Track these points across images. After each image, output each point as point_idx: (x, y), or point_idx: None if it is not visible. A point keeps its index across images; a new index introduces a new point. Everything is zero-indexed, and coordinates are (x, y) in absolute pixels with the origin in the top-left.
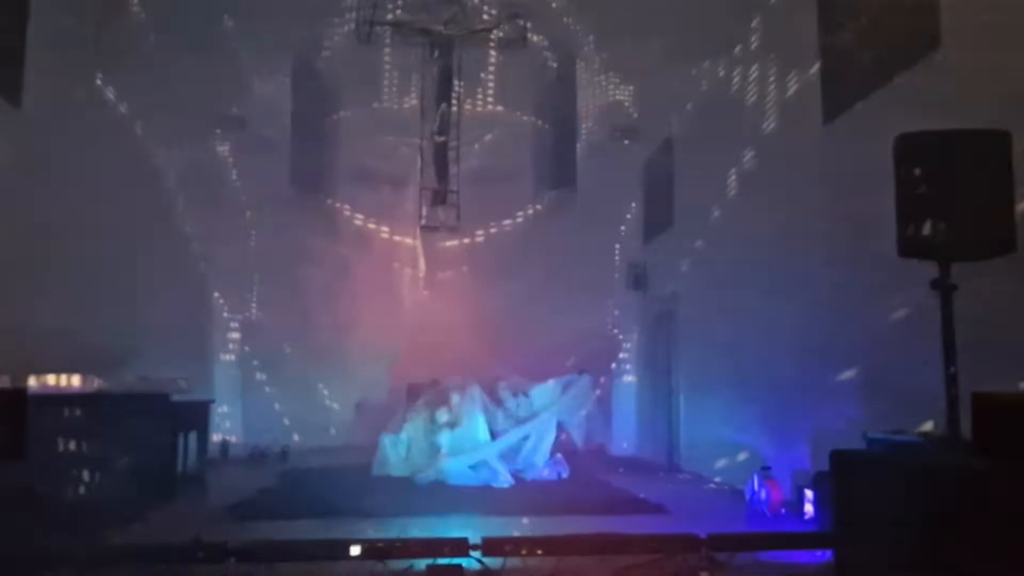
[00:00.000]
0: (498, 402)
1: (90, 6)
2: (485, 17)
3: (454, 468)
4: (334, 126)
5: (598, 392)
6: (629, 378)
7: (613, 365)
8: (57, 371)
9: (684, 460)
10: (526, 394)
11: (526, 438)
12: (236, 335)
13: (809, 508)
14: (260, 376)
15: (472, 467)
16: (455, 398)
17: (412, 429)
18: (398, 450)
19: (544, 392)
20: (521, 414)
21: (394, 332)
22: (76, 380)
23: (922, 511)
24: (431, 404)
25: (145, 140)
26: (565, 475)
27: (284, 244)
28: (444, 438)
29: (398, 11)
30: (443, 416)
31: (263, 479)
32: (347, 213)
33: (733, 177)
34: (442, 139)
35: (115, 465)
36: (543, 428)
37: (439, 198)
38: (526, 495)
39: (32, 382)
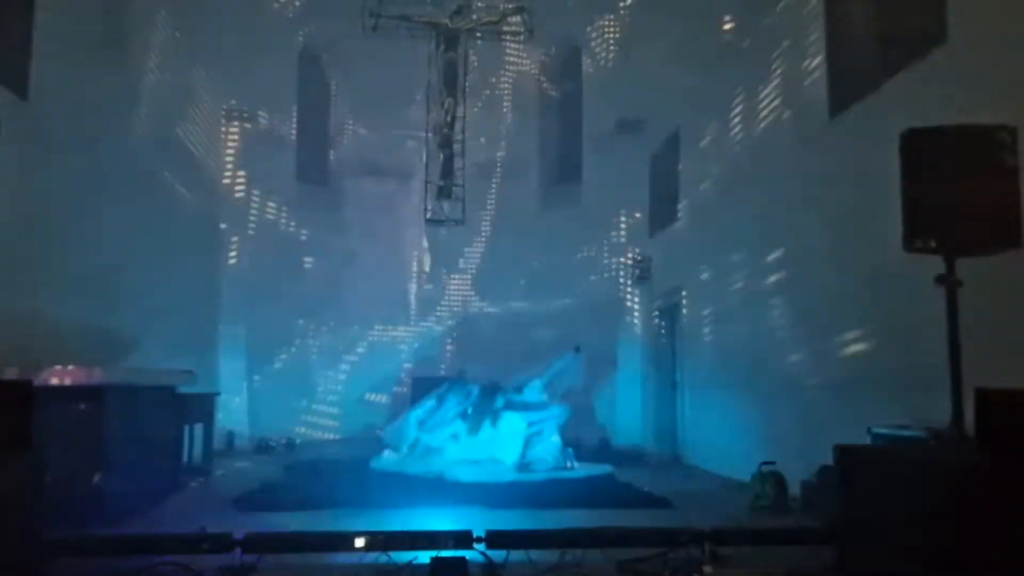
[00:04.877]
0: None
1: None
2: (491, 10)
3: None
4: (340, 119)
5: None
6: (633, 371)
7: (617, 358)
8: (64, 363)
9: (688, 453)
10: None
11: (535, 431)
12: (242, 327)
13: (812, 503)
14: (266, 368)
15: (475, 461)
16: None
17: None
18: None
19: (534, 390)
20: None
21: (399, 325)
22: (82, 372)
23: (925, 506)
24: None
25: (151, 133)
26: (574, 466)
27: (290, 237)
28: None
29: (405, 4)
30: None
31: (268, 471)
32: (353, 206)
33: (739, 171)
34: (447, 133)
35: (121, 456)
36: (549, 421)
37: (444, 192)
38: (530, 488)
39: (39, 374)
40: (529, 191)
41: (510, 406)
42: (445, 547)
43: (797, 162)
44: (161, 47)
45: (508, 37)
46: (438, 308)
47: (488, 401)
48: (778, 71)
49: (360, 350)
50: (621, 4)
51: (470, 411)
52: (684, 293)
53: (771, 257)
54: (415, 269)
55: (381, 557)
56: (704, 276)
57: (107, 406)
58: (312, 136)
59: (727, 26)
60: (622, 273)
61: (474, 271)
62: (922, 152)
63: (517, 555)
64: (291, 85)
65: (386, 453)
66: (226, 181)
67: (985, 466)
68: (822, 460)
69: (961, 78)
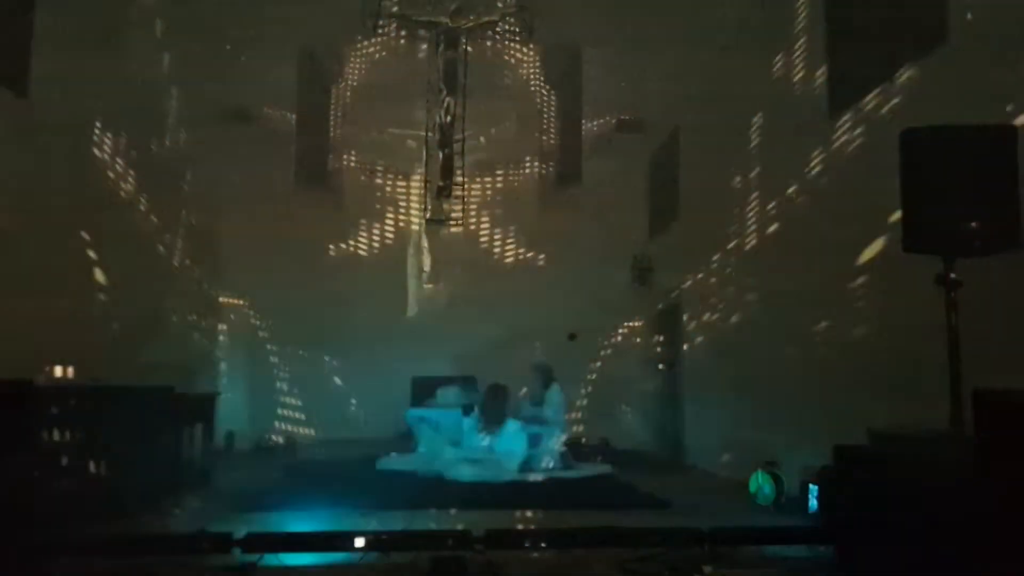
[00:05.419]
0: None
1: None
2: (491, 9)
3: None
4: (339, 119)
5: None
6: (634, 372)
7: (617, 358)
8: (63, 363)
9: (688, 454)
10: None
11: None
12: (242, 327)
13: (812, 503)
14: (266, 369)
15: (473, 461)
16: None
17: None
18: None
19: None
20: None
21: (399, 324)
22: (82, 372)
23: (924, 506)
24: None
25: (151, 133)
26: (573, 466)
27: (289, 237)
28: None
29: (404, 3)
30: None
31: (268, 471)
32: (353, 206)
33: (738, 171)
34: (447, 132)
35: (120, 457)
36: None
37: (444, 191)
38: (530, 488)
39: (38, 374)
40: (529, 191)
41: (515, 415)
42: (445, 547)
43: (797, 162)
44: (160, 47)
45: (508, 36)
46: (438, 308)
47: (497, 402)
48: (778, 71)
49: (360, 350)
50: (622, 4)
51: (476, 410)
52: (684, 293)
53: (770, 257)
54: (415, 269)
55: (381, 556)
56: (704, 276)
57: (106, 406)
58: (312, 136)
59: (727, 25)
60: (622, 273)
61: (474, 271)
62: (922, 152)
63: (518, 555)
64: (291, 85)
65: (393, 454)
66: (225, 181)
67: (984, 466)
68: (822, 460)
69: (961, 78)
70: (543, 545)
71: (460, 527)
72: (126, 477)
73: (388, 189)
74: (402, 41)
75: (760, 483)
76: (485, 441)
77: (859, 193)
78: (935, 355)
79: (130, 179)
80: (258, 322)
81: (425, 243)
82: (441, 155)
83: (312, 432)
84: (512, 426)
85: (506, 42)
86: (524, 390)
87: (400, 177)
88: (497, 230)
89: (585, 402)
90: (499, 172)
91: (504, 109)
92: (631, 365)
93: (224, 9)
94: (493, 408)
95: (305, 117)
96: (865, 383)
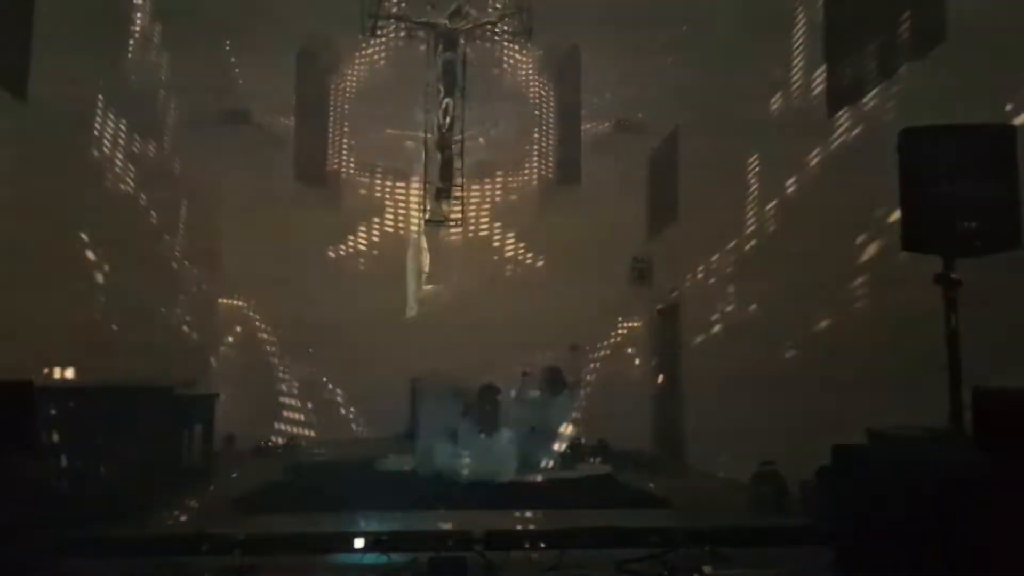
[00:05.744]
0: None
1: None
2: (490, 10)
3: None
4: (338, 120)
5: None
6: (633, 372)
7: (617, 359)
8: (63, 363)
9: (688, 454)
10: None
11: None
12: (241, 329)
13: (812, 503)
14: (266, 369)
15: (471, 459)
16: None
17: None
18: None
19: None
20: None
21: (398, 326)
22: (82, 373)
23: (924, 506)
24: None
25: (149, 134)
26: (572, 466)
27: (289, 237)
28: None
29: (403, 4)
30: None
31: (268, 472)
32: (352, 207)
33: (737, 171)
34: (446, 133)
35: (120, 458)
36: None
37: (443, 192)
38: (530, 488)
39: (38, 374)
40: (529, 192)
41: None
42: (445, 547)
43: (796, 161)
44: (159, 47)
45: (507, 37)
46: (437, 309)
47: (490, 404)
48: (777, 70)
49: (360, 351)
50: (621, 4)
51: (474, 411)
52: (684, 293)
53: (770, 257)
54: (414, 270)
55: (381, 557)
56: (703, 276)
57: (107, 407)
58: (311, 136)
59: (726, 26)
60: (622, 273)
61: (473, 272)
62: (920, 152)
63: (517, 555)
64: (289, 85)
65: (392, 455)
66: (225, 182)
67: (983, 466)
68: (822, 460)
69: (960, 78)
70: (543, 545)
71: (460, 527)
72: (126, 478)
73: (387, 190)
74: (401, 43)
75: (760, 483)
76: (480, 440)
77: (859, 193)
78: (935, 355)
79: (130, 179)
80: (258, 323)
81: (424, 244)
82: (440, 156)
83: (312, 433)
84: (505, 435)
85: (504, 43)
86: (524, 389)
87: (399, 178)
88: (496, 231)
89: (584, 403)
90: (498, 173)
91: (503, 110)
92: (630, 365)
93: (223, 10)
94: (486, 409)
95: (304, 118)
96: (865, 383)
